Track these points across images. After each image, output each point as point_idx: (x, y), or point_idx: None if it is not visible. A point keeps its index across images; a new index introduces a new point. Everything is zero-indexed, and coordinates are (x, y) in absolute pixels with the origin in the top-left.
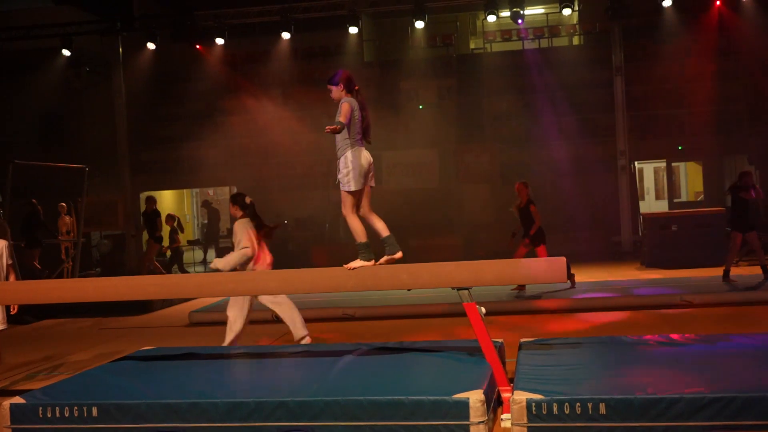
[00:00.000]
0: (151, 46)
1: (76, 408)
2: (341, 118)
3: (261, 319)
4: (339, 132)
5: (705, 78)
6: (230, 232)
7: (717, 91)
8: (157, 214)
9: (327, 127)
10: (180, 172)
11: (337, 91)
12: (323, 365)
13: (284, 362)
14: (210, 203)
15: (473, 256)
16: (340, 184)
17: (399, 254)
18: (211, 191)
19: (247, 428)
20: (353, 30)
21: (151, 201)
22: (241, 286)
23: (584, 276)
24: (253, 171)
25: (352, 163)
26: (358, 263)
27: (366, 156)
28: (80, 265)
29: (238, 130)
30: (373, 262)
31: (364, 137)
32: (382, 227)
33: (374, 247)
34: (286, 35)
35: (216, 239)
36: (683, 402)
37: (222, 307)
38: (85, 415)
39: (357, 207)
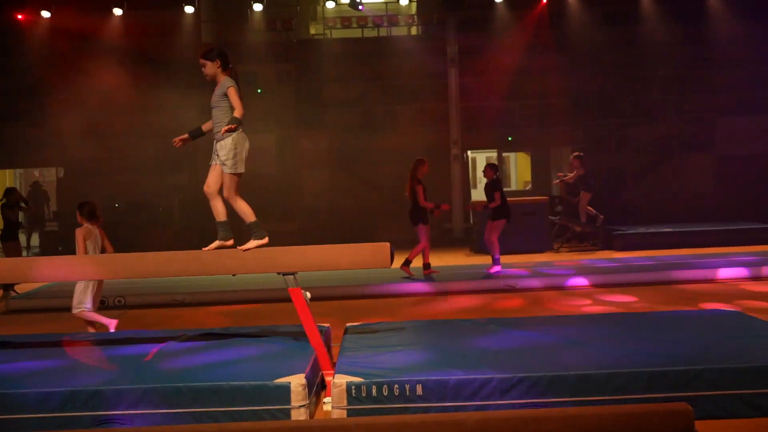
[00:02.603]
0: None
1: None
2: (238, 111)
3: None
4: (237, 130)
5: (534, 72)
6: (56, 215)
7: (545, 85)
8: None
9: (223, 129)
10: (2, 152)
11: (212, 67)
12: (144, 352)
13: (103, 349)
14: (40, 185)
15: (311, 242)
16: (224, 167)
17: (231, 242)
18: (37, 172)
19: (60, 418)
20: (189, 9)
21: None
22: (58, 272)
23: (416, 262)
24: (83, 152)
25: (238, 145)
26: (253, 244)
27: (246, 138)
28: None
29: (68, 109)
30: (266, 239)
31: None
32: (222, 211)
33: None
34: (118, 11)
35: (43, 223)
36: (495, 382)
37: (44, 293)
38: None
39: (238, 188)
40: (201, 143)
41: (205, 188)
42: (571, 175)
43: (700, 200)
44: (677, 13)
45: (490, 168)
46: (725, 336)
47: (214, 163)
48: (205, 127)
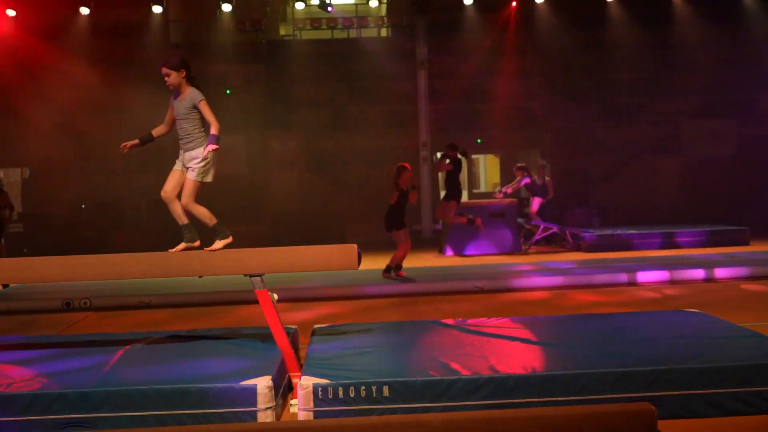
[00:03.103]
0: None
1: None
2: (215, 127)
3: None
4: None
5: (503, 74)
6: (21, 216)
7: (514, 87)
8: None
9: (207, 150)
10: None
11: (177, 77)
12: (109, 354)
13: (67, 352)
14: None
15: (279, 243)
16: (192, 173)
17: (197, 243)
18: (1, 173)
19: (23, 423)
20: (157, 9)
21: None
22: (23, 274)
23: (384, 263)
24: (49, 152)
25: (211, 155)
26: (219, 244)
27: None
28: None
29: (32, 109)
30: (231, 238)
31: None
32: (182, 214)
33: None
34: (85, 10)
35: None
36: (461, 383)
37: (6, 296)
38: None
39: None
40: (169, 144)
41: (163, 194)
42: (513, 184)
43: (666, 202)
44: (644, 17)
45: (449, 148)
46: (689, 336)
47: (177, 168)
48: (155, 132)
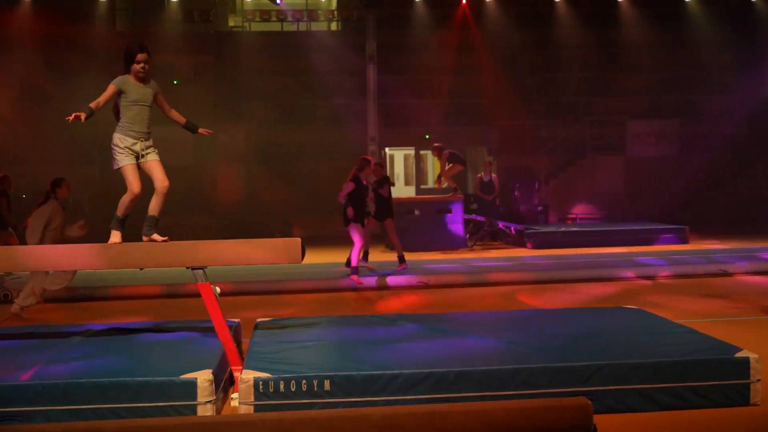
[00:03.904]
0: None
1: None
2: (182, 116)
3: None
4: None
5: (452, 71)
6: None
7: (463, 84)
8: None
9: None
10: None
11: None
12: (46, 347)
13: (3, 344)
14: None
15: (226, 236)
16: (157, 155)
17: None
18: None
19: None
20: None
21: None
22: None
23: (331, 257)
24: None
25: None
26: (159, 237)
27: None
28: None
29: None
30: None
31: None
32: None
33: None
34: None
35: None
36: (402, 377)
37: None
38: None
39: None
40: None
41: (138, 190)
42: (445, 171)
43: (609, 200)
44: (591, 18)
45: (377, 164)
46: (627, 332)
47: (133, 162)
48: (94, 106)
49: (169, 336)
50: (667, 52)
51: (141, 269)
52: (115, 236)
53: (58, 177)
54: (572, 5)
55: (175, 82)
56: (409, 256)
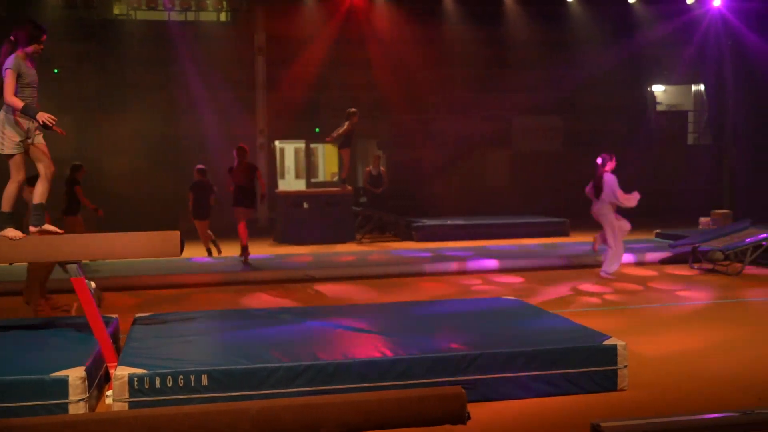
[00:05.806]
0: None
1: None
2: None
3: None
4: None
5: (342, 64)
6: None
7: (353, 77)
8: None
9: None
10: None
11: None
12: None
13: None
14: None
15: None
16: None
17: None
18: None
19: None
20: None
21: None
22: None
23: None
24: None
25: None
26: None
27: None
28: None
29: None
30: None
31: None
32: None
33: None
34: None
35: None
36: (281, 370)
37: None
38: None
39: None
40: None
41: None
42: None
43: (496, 194)
44: (478, 15)
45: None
46: (505, 323)
47: (41, 142)
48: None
49: (41, 333)
50: (552, 49)
51: (9, 264)
52: (11, 232)
53: None
54: (461, 3)
55: (56, 71)
56: (296, 249)
